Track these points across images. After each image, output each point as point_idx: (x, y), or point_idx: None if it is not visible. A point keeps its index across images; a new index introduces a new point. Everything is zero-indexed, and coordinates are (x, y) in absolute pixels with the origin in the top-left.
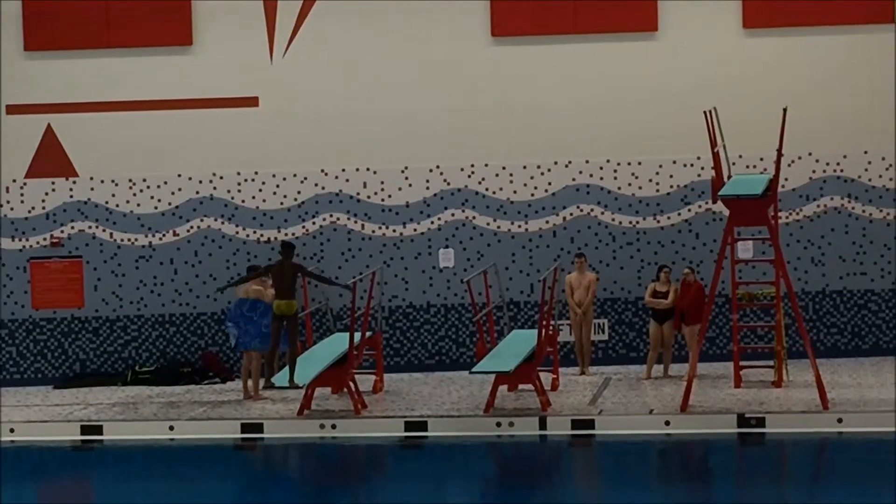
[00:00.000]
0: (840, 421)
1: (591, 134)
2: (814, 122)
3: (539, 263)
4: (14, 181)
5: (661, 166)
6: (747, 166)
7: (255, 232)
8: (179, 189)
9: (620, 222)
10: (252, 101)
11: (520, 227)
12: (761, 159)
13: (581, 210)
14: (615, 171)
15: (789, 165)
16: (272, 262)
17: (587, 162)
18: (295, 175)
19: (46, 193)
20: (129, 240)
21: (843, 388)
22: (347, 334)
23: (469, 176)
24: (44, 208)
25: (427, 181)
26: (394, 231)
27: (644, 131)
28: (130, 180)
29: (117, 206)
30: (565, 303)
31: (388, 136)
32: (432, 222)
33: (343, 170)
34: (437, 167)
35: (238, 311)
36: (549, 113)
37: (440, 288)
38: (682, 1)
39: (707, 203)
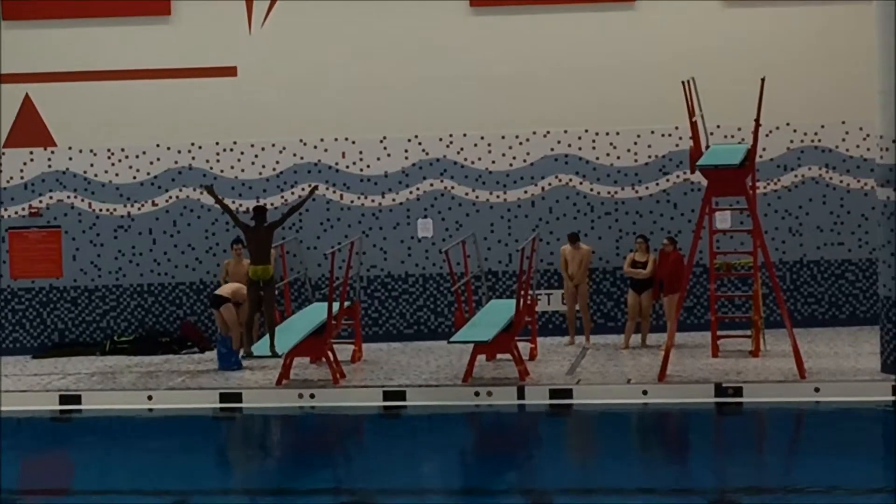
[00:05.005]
0: (817, 390)
1: (569, 104)
2: (792, 93)
3: (517, 233)
4: None
5: (639, 136)
6: (725, 136)
7: (233, 202)
8: (158, 159)
9: (599, 192)
10: (230, 71)
11: (498, 197)
12: (739, 129)
13: (559, 180)
14: (593, 141)
15: (767, 135)
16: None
17: (565, 132)
18: (273, 145)
19: (24, 163)
20: (107, 210)
21: (820, 358)
22: (326, 304)
23: (448, 146)
24: (22, 178)
25: (406, 151)
26: (372, 201)
27: (622, 101)
28: (109, 150)
29: (96, 175)
30: (543, 272)
31: (366, 107)
32: (411, 192)
33: (321, 140)
34: (416, 137)
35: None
36: (528, 83)
37: (419, 258)
38: None
39: (685, 173)
